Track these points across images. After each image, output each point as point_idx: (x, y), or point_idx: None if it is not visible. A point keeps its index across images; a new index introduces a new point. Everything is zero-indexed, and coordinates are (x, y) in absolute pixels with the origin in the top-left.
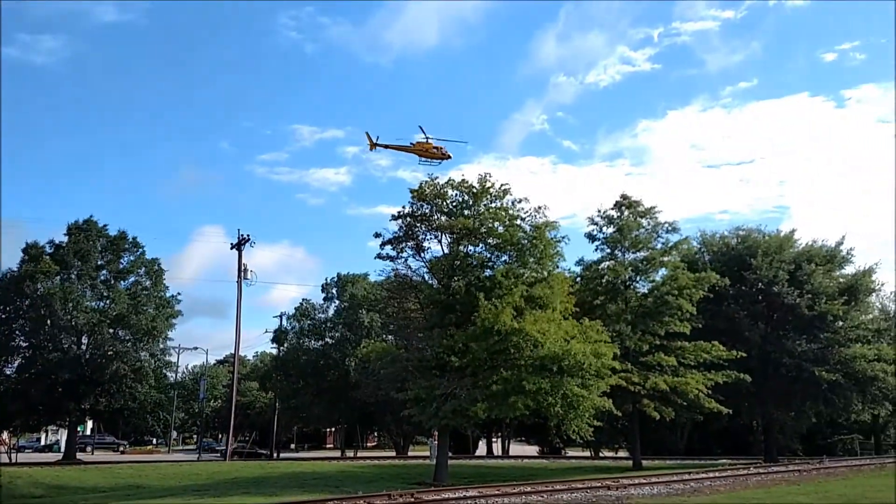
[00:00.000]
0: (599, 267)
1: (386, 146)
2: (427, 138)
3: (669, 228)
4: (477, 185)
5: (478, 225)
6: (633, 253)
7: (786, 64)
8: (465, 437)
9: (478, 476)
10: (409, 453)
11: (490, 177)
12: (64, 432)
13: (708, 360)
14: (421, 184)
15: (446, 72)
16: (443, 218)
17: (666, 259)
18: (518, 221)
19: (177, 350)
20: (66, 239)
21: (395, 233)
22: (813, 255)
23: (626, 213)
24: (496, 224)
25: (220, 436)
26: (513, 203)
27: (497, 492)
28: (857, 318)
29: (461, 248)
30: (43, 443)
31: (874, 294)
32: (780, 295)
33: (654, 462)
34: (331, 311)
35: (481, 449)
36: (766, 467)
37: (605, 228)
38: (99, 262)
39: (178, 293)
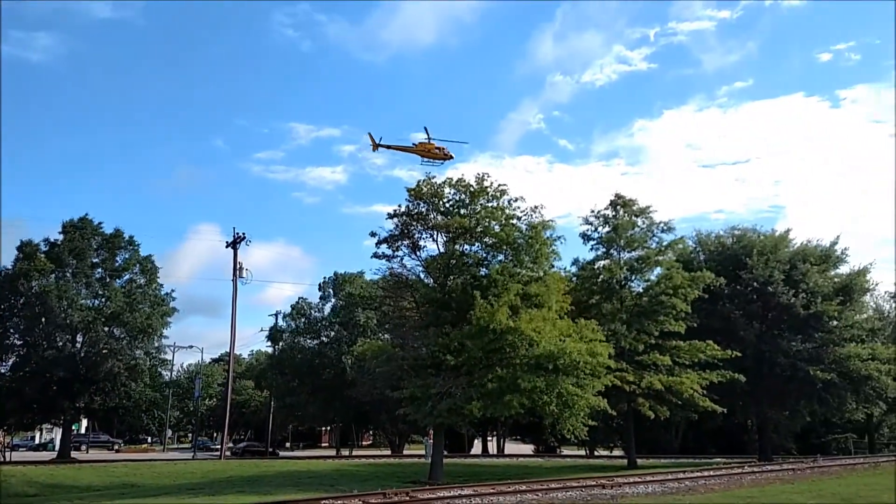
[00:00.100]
0: (595, 266)
1: (389, 147)
2: (429, 139)
3: (664, 228)
4: (475, 185)
5: (474, 224)
6: (628, 252)
7: (781, 64)
8: (460, 436)
9: (473, 475)
10: (405, 452)
11: (488, 176)
12: (58, 431)
13: (703, 359)
14: (418, 182)
15: (443, 71)
16: (439, 217)
17: (661, 258)
18: (514, 221)
19: (172, 348)
20: (61, 237)
21: (391, 231)
22: (808, 255)
23: (620, 212)
24: (492, 223)
25: (215, 434)
26: (509, 202)
27: (492, 490)
28: (852, 318)
29: (457, 246)
30: (37, 441)
31: (868, 294)
32: (776, 294)
33: (648, 461)
34: (327, 310)
35: (476, 448)
36: (761, 466)
37: (599, 228)
38: (94, 260)
39: (173, 290)
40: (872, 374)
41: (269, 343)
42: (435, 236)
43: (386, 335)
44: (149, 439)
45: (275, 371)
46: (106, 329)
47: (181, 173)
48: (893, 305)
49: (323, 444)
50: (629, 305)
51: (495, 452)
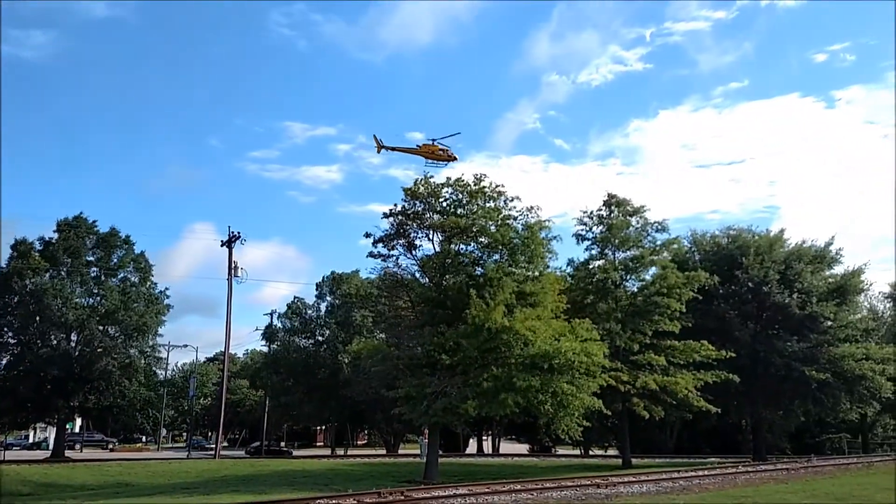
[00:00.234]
0: (589, 266)
1: (393, 149)
2: (433, 140)
3: (658, 227)
4: (473, 185)
5: (470, 224)
6: (622, 252)
7: (777, 64)
8: (455, 436)
9: (468, 474)
10: (400, 451)
11: (485, 177)
12: (52, 430)
13: (698, 359)
14: (415, 181)
15: (440, 70)
16: (435, 216)
17: (656, 258)
18: (510, 221)
19: (167, 347)
20: (55, 236)
21: (387, 231)
22: (802, 255)
23: (615, 211)
24: (489, 223)
25: (209, 434)
26: (505, 202)
27: (487, 490)
28: (846, 318)
29: (453, 246)
30: (31, 440)
31: (863, 294)
32: (770, 294)
33: (643, 460)
34: (322, 310)
35: (471, 447)
36: (755, 466)
37: (594, 228)
38: (89, 259)
39: (167, 288)
40: (866, 374)
41: (264, 342)
42: (431, 236)
43: (381, 334)
44: (143, 438)
45: (270, 370)
46: (100, 328)
47: (176, 172)
48: (888, 306)
49: (318, 444)
50: (624, 305)
51: (490, 452)
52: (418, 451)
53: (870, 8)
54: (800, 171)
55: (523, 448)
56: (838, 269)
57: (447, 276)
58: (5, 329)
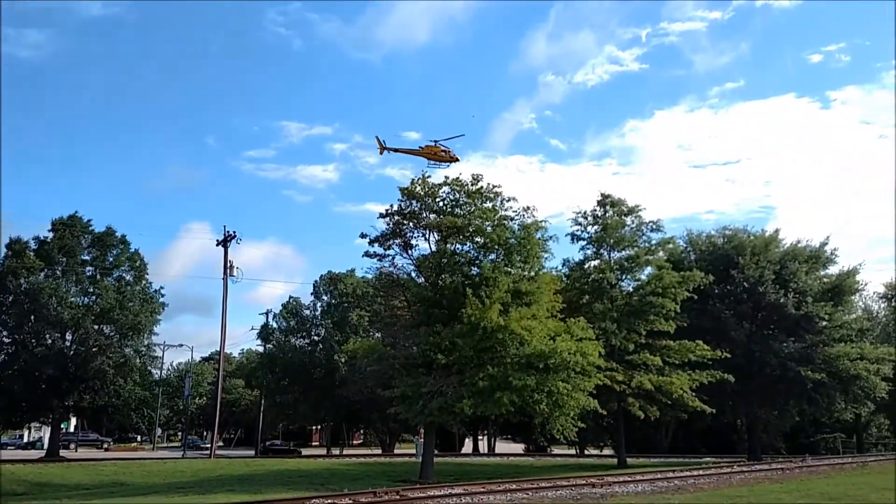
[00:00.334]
0: (585, 266)
1: (396, 150)
2: (435, 142)
3: (653, 227)
4: (471, 185)
5: (466, 224)
6: (618, 252)
7: (772, 65)
8: (451, 435)
9: (463, 474)
10: (396, 451)
11: (482, 177)
12: (47, 429)
13: (693, 359)
14: (412, 181)
15: (436, 70)
16: (432, 216)
17: (651, 258)
18: (506, 222)
19: (162, 347)
20: (50, 235)
21: (384, 230)
22: (797, 255)
23: (609, 211)
24: (485, 224)
25: (204, 433)
26: (502, 203)
27: (482, 489)
28: (841, 319)
29: (449, 246)
30: (26, 440)
31: (858, 294)
32: (766, 294)
33: (638, 460)
34: (318, 309)
35: (467, 447)
36: (750, 466)
37: (589, 228)
38: (84, 258)
39: (162, 287)
40: (861, 374)
41: (259, 342)
42: (427, 235)
43: (377, 334)
44: (138, 438)
45: (265, 370)
46: (95, 327)
47: (171, 171)
48: (883, 306)
49: (313, 443)
50: (619, 305)
51: (486, 451)
52: (414, 451)
53: (865, 9)
54: (795, 172)
55: (519, 448)
56: (833, 270)
57: (443, 276)
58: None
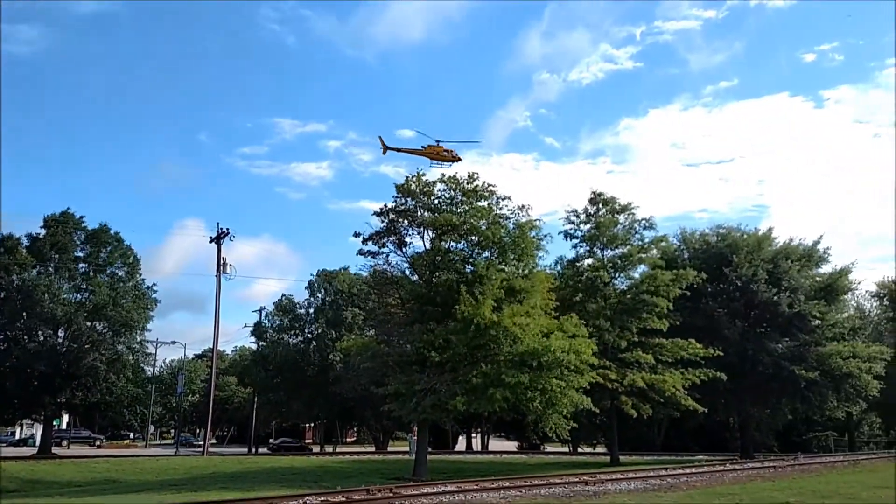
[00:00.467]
0: (578, 264)
1: (398, 150)
2: (438, 142)
3: (646, 224)
4: (466, 183)
5: (461, 221)
6: (611, 250)
7: (766, 64)
8: (444, 433)
9: (457, 471)
10: (389, 449)
11: (478, 175)
12: (39, 426)
13: (685, 357)
14: (407, 178)
15: (431, 68)
16: (427, 214)
17: (644, 256)
18: (501, 220)
19: (155, 344)
20: (43, 232)
21: (378, 228)
22: (790, 254)
23: (602, 209)
24: (480, 222)
25: (197, 430)
26: (497, 201)
27: (475, 487)
28: (834, 317)
29: (443, 243)
30: (17, 437)
31: (850, 293)
32: (758, 293)
33: (631, 458)
34: (312, 307)
35: (461, 444)
36: (742, 464)
37: (581, 226)
38: (77, 255)
39: (154, 283)
40: (853, 372)
41: (253, 339)
42: (422, 233)
43: (371, 331)
44: (131, 435)
45: (258, 367)
46: (88, 323)
47: (164, 167)
48: (875, 304)
49: (307, 441)
50: (613, 303)
51: (479, 449)
52: (407, 449)
53: (858, 8)
54: (789, 171)
55: (512, 445)
56: (826, 269)
57: (437, 273)
58: None
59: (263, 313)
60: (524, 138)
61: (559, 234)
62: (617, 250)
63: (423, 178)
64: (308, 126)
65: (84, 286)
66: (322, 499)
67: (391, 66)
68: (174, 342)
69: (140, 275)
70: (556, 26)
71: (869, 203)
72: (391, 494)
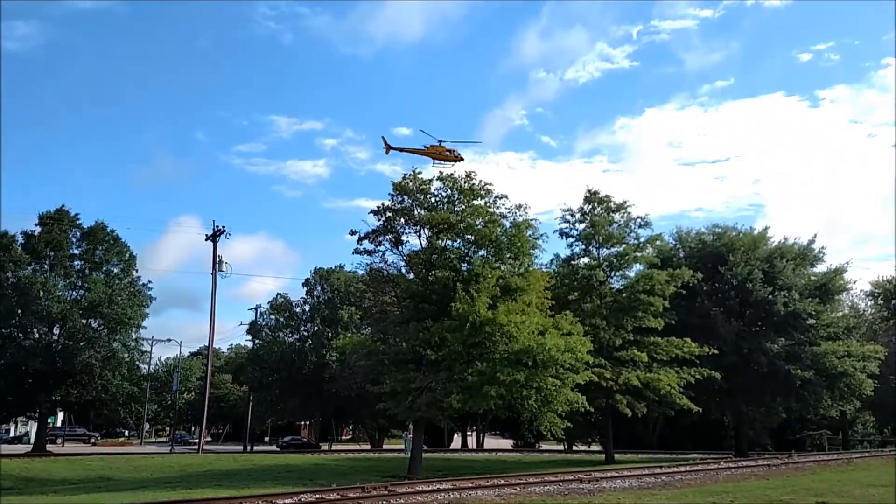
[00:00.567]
0: (573, 263)
1: (401, 150)
2: (440, 142)
3: (642, 223)
4: (463, 182)
5: (458, 220)
6: (606, 248)
7: (762, 64)
8: (440, 431)
9: (452, 469)
10: (384, 447)
11: (475, 174)
12: (34, 424)
13: (680, 356)
14: (404, 176)
15: (428, 66)
16: (423, 212)
17: (640, 254)
18: (498, 219)
19: (150, 342)
20: (38, 229)
21: (375, 226)
22: (785, 253)
23: (596, 208)
24: (477, 220)
25: (193, 428)
26: (493, 200)
27: (471, 484)
28: (829, 317)
29: (440, 242)
30: (12, 434)
31: (845, 292)
32: (754, 292)
33: (626, 455)
34: (308, 305)
35: (456, 442)
36: (737, 462)
37: (577, 224)
38: (73, 252)
39: (150, 281)
40: (848, 371)
41: (248, 337)
42: (418, 231)
43: (367, 329)
44: (126, 433)
45: (254, 365)
46: (84, 321)
47: (160, 164)
48: (869, 303)
49: (301, 439)
50: (608, 302)
51: (475, 447)
52: (403, 447)
53: (854, 8)
54: (784, 170)
55: (507, 443)
56: (821, 268)
57: (433, 272)
58: None
59: (259, 311)
60: (521, 137)
61: (554, 232)
62: (612, 249)
63: (420, 177)
64: (304, 124)
65: (79, 283)
66: (317, 496)
67: (388, 64)
68: (170, 340)
69: (136, 272)
70: (554, 25)
71: (864, 203)
72: (386, 492)
